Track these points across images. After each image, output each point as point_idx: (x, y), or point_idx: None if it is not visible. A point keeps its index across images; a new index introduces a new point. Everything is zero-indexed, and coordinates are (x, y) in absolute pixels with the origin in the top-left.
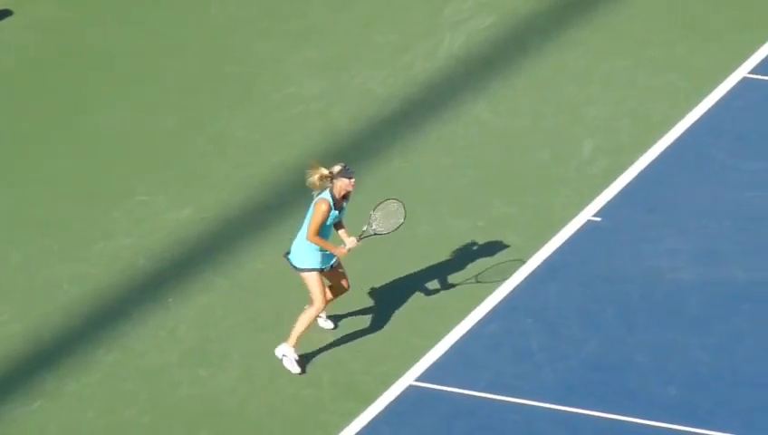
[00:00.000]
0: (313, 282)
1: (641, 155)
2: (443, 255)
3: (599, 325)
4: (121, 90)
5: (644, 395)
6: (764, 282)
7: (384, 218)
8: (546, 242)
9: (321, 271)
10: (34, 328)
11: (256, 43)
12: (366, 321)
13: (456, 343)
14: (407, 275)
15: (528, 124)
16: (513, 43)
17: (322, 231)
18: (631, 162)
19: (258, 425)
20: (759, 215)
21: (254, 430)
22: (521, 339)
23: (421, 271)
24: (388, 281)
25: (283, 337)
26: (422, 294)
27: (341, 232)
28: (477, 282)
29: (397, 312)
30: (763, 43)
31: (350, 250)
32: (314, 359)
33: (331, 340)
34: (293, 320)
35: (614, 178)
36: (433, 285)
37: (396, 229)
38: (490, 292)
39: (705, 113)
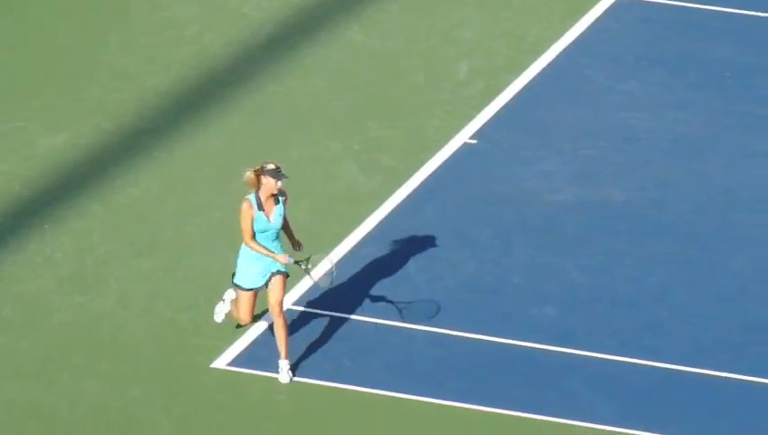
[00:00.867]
0: (242, 300)
1: (517, 77)
2: (318, 178)
3: (475, 247)
4: None
5: (521, 317)
6: (641, 202)
7: (321, 271)
8: (422, 165)
9: (249, 290)
10: None
11: None
12: (240, 246)
13: (333, 265)
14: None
15: (402, 47)
16: None
17: (259, 238)
18: (507, 84)
19: (136, 349)
20: (634, 135)
21: (131, 355)
22: (397, 261)
23: (296, 195)
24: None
25: (160, 262)
26: (297, 218)
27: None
28: (352, 205)
29: None
30: None
31: (288, 262)
32: (191, 284)
33: (207, 266)
34: (168, 244)
35: (490, 101)
36: (309, 208)
37: (313, 277)
38: (366, 215)
39: (581, 35)
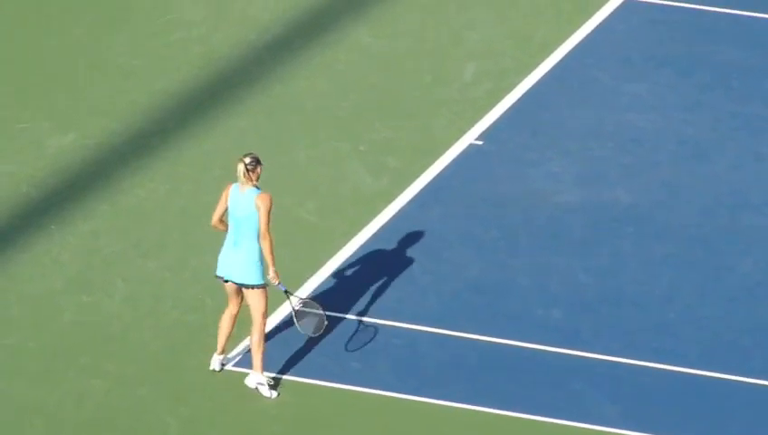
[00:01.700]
0: (263, 297)
1: (524, 78)
2: (325, 179)
3: (481, 249)
4: (0, 15)
5: (527, 318)
6: (647, 204)
7: (305, 314)
8: (429, 166)
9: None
10: None
11: None
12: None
13: (339, 267)
14: (288, 201)
15: (409, 47)
16: None
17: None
18: (514, 85)
19: (143, 349)
20: (641, 137)
21: (138, 355)
22: (403, 263)
23: (302, 196)
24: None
25: (167, 263)
26: (304, 220)
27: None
28: (358, 206)
29: (279, 238)
30: None
31: (275, 281)
32: (198, 285)
33: (214, 266)
34: (175, 245)
35: (497, 102)
36: (315, 209)
37: (296, 319)
38: (373, 216)
39: (588, 36)
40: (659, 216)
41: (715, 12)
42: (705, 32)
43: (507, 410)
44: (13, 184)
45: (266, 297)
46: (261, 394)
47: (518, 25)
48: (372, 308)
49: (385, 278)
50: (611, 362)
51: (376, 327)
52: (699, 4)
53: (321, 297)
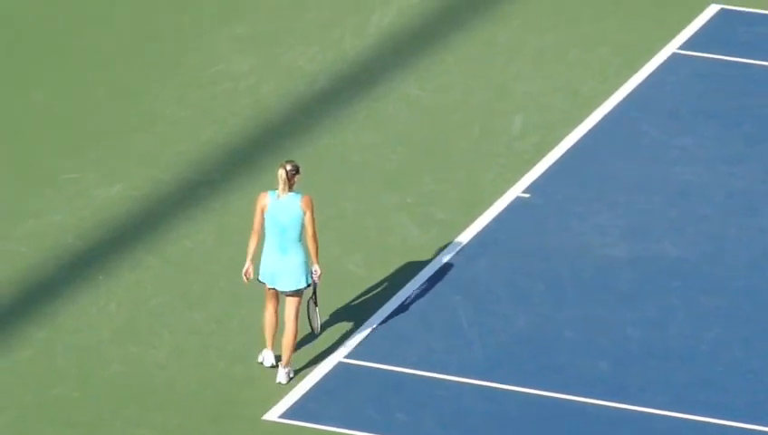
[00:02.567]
0: (300, 298)
1: (571, 131)
2: (372, 231)
3: (528, 301)
4: (49, 65)
5: (573, 371)
6: (694, 258)
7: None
8: (476, 218)
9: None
10: None
11: (185, 17)
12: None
13: (386, 319)
14: (335, 252)
15: (457, 100)
16: (442, 18)
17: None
18: (561, 138)
19: (188, 401)
20: (688, 190)
21: (183, 406)
22: (450, 315)
23: (349, 248)
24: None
25: (213, 314)
26: (350, 272)
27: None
28: (406, 258)
29: (325, 289)
30: (692, 18)
31: (316, 278)
32: (245, 336)
33: (259, 317)
34: (222, 296)
35: (544, 154)
36: (362, 261)
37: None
38: (420, 268)
39: (635, 89)
40: (707, 269)
41: (762, 65)
42: (753, 85)
43: None
44: (59, 234)
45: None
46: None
47: (565, 78)
48: (418, 360)
49: (431, 330)
50: (658, 415)
51: (422, 379)
52: (747, 58)
53: (367, 349)
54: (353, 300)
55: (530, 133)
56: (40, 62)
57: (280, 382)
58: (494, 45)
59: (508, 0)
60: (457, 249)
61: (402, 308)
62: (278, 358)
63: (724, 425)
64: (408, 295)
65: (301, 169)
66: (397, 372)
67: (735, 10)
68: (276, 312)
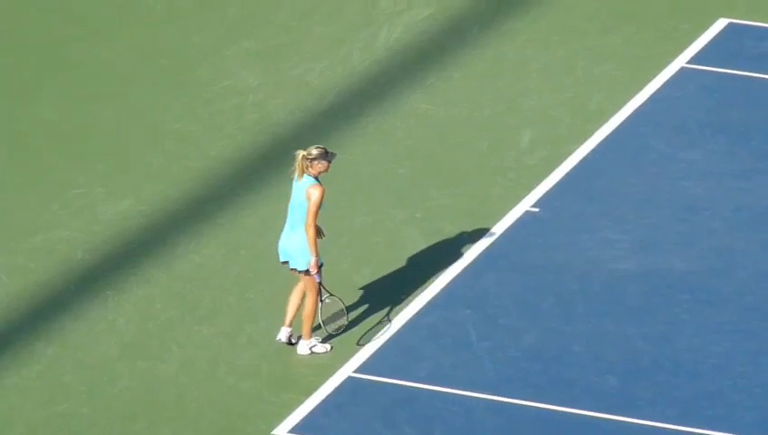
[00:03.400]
0: (314, 280)
1: (579, 145)
2: (380, 245)
3: (537, 315)
4: (59, 81)
5: (582, 385)
6: (703, 271)
7: (329, 309)
8: (484, 232)
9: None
10: None
11: (193, 33)
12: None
13: (395, 334)
14: (344, 267)
15: (466, 115)
16: (450, 34)
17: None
18: (569, 153)
19: (197, 416)
20: (696, 204)
21: (193, 422)
22: (459, 329)
23: (358, 262)
24: (326, 273)
25: (222, 329)
26: (359, 286)
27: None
28: (415, 273)
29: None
30: (700, 32)
31: (317, 269)
32: (253, 351)
33: (270, 333)
34: (231, 311)
35: (552, 169)
36: (371, 275)
37: (324, 319)
38: (428, 283)
39: (643, 103)
40: (715, 283)
41: None
42: (761, 99)
43: None
44: (68, 250)
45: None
46: (317, 354)
47: (573, 93)
48: (428, 375)
49: (441, 345)
50: (667, 429)
51: (431, 393)
52: (754, 72)
53: (376, 363)
54: (361, 314)
55: (538, 148)
56: (48, 77)
57: (301, 354)
58: (501, 60)
59: (515, 16)
60: (466, 264)
61: (411, 323)
62: (294, 337)
63: None
64: (416, 310)
65: (327, 157)
66: (406, 386)
67: (743, 24)
68: (302, 290)
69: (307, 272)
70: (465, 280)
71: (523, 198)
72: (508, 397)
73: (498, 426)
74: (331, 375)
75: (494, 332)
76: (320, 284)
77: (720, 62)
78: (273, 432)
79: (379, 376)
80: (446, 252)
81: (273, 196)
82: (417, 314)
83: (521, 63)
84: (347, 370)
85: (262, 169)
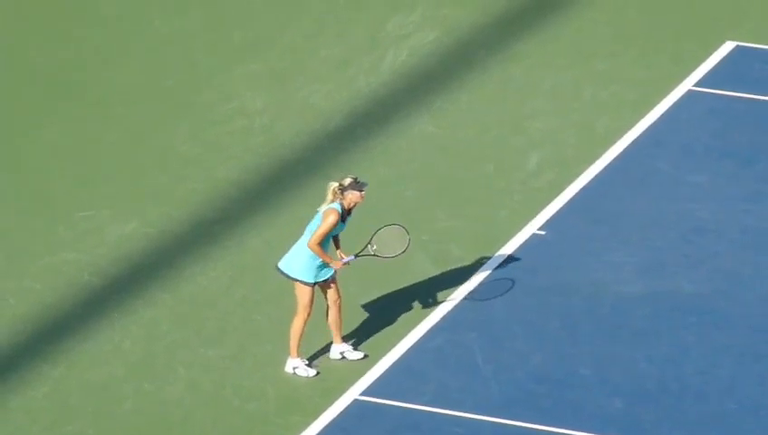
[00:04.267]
0: (305, 293)
1: (586, 168)
2: (388, 268)
3: (543, 338)
4: (65, 103)
5: (589, 408)
6: (709, 294)
7: (386, 243)
8: (491, 255)
9: (314, 285)
10: None
11: (199, 55)
12: (310, 335)
13: (401, 357)
14: (352, 290)
15: (472, 137)
16: (456, 57)
17: (323, 242)
18: (576, 175)
19: None
20: (703, 227)
21: None
22: (465, 352)
23: (366, 284)
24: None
25: (228, 351)
26: (366, 309)
27: (338, 252)
28: (421, 295)
29: (344, 326)
30: (707, 56)
31: (345, 264)
32: (259, 373)
33: (275, 355)
34: (237, 333)
35: (559, 191)
36: (377, 299)
37: (395, 256)
38: (434, 306)
39: (650, 126)
40: (721, 305)
41: None
42: (767, 122)
43: None
44: (74, 272)
45: (308, 295)
46: (299, 376)
47: (580, 115)
48: (434, 397)
49: (447, 367)
50: None
51: (437, 416)
52: (761, 95)
53: (382, 386)
54: (369, 336)
55: (545, 170)
56: (55, 100)
57: (285, 371)
58: (508, 83)
59: (522, 38)
60: (473, 286)
61: (417, 346)
62: (345, 350)
63: None
64: (423, 332)
65: (357, 186)
66: (412, 409)
67: (751, 47)
68: (330, 305)
69: (297, 281)
70: (471, 303)
71: (530, 220)
72: (514, 419)
73: None
74: (337, 398)
75: (501, 354)
76: (357, 255)
77: (727, 85)
78: None
79: (385, 399)
80: (452, 274)
81: (279, 218)
82: (423, 336)
83: (527, 86)
84: (353, 392)
85: (268, 191)
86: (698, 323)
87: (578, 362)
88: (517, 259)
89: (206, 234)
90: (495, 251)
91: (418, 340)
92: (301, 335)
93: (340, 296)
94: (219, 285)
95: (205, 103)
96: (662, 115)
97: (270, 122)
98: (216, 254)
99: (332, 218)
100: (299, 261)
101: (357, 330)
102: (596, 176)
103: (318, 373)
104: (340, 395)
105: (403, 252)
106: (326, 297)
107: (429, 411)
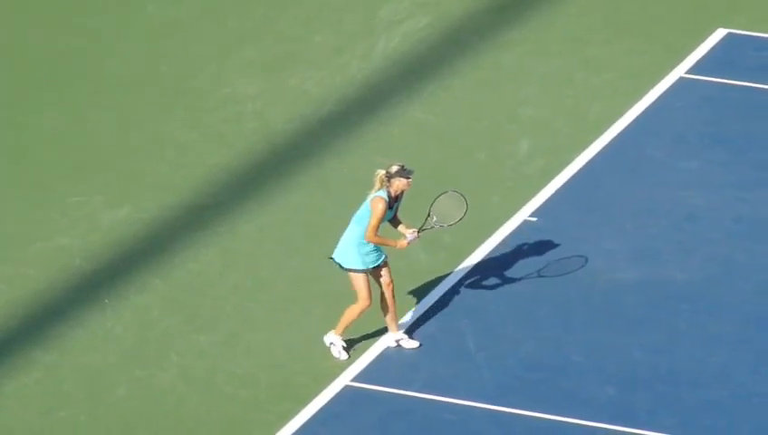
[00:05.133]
0: (360, 282)
1: (578, 155)
2: None
3: (536, 325)
4: (59, 90)
5: (581, 395)
6: (702, 281)
7: (445, 212)
8: (483, 242)
9: (366, 271)
10: None
11: (194, 43)
12: (302, 322)
13: (387, 349)
14: (343, 276)
15: (464, 125)
16: (449, 43)
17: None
18: (568, 162)
19: (195, 425)
20: (695, 214)
21: (191, 430)
22: (458, 339)
23: None
24: (324, 282)
25: (220, 337)
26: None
27: (401, 226)
28: (413, 282)
29: (333, 312)
30: (699, 43)
31: (409, 243)
32: (252, 360)
33: (268, 341)
34: (229, 319)
35: (551, 179)
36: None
37: (457, 222)
38: (426, 293)
39: (642, 113)
40: (714, 293)
41: None
42: (760, 109)
43: None
44: (66, 257)
45: (364, 282)
46: (331, 354)
47: (572, 103)
48: (426, 384)
49: (439, 354)
50: None
51: (430, 402)
52: (754, 82)
53: (374, 372)
54: (361, 323)
55: (537, 157)
56: (48, 87)
57: (325, 341)
58: (500, 70)
59: (514, 25)
60: (465, 273)
61: (410, 332)
62: (400, 337)
63: None
64: (415, 318)
65: (404, 173)
66: (404, 395)
67: (742, 34)
68: (381, 294)
69: (351, 271)
70: (463, 290)
71: (522, 207)
72: (506, 406)
73: None
74: (328, 384)
75: (493, 341)
76: (420, 230)
77: (719, 73)
78: None
79: (377, 385)
80: (444, 261)
81: (272, 204)
82: (415, 323)
83: (519, 73)
84: (345, 379)
85: (261, 178)
86: (691, 311)
87: (570, 350)
88: (509, 246)
89: (198, 220)
90: (487, 238)
91: (410, 327)
92: (352, 321)
93: (392, 280)
94: (212, 271)
95: (198, 90)
96: (654, 102)
97: (263, 109)
98: (208, 240)
99: (381, 207)
100: (349, 250)
101: None
102: (588, 163)
103: (349, 357)
104: (332, 381)
105: (463, 217)
106: (379, 283)
107: (421, 398)
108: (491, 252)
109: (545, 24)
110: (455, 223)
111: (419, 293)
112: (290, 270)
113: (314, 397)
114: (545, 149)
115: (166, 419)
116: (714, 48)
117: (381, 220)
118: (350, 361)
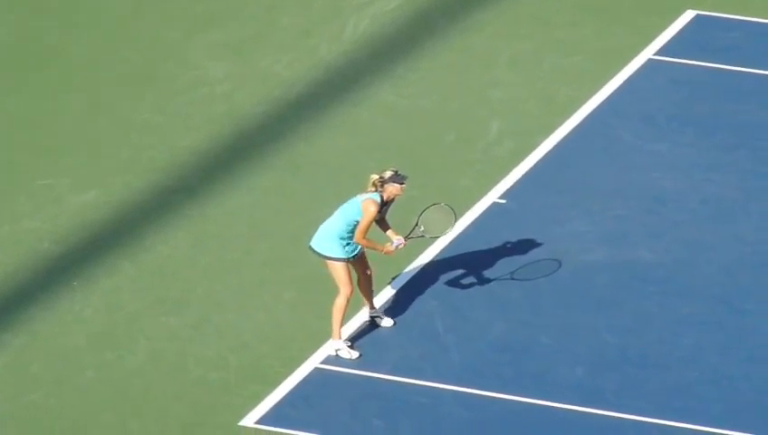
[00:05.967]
0: (339, 271)
1: (547, 137)
2: None
3: (505, 307)
4: (25, 73)
5: (550, 377)
6: (671, 263)
7: (432, 224)
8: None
9: (347, 260)
10: None
11: (161, 25)
12: (272, 305)
13: (362, 325)
14: (315, 258)
15: (433, 107)
16: (417, 25)
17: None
18: (537, 144)
19: (165, 408)
20: (664, 196)
21: (160, 413)
22: (427, 321)
23: None
24: (294, 265)
25: (190, 320)
26: (327, 277)
27: (389, 232)
28: (383, 264)
29: (302, 295)
30: (668, 25)
31: (396, 248)
32: (221, 343)
33: (237, 324)
34: (199, 302)
35: (520, 160)
36: None
37: (443, 235)
38: (396, 274)
39: (611, 95)
40: (682, 275)
41: (737, 71)
42: (729, 91)
43: None
44: (34, 240)
45: (344, 270)
46: (342, 358)
47: (542, 85)
48: (395, 366)
49: (408, 336)
50: (634, 421)
51: (399, 385)
52: (722, 64)
53: (343, 357)
54: (329, 306)
55: (506, 139)
56: (16, 70)
57: (327, 353)
58: (469, 52)
59: (483, 7)
60: (433, 255)
61: (378, 314)
62: (376, 313)
63: (699, 431)
64: (383, 301)
65: (398, 179)
66: (373, 377)
67: (711, 16)
68: (359, 280)
69: (329, 259)
70: (432, 271)
71: (491, 189)
72: (475, 388)
73: (466, 417)
74: (298, 367)
75: (462, 323)
76: (407, 237)
77: (687, 54)
78: (240, 424)
79: (345, 368)
80: (413, 243)
81: (241, 187)
82: (383, 305)
83: (489, 55)
84: (314, 361)
85: (229, 161)
86: (660, 293)
87: (539, 332)
88: (478, 228)
89: (167, 203)
90: (456, 220)
91: (380, 308)
92: (343, 315)
93: (370, 268)
94: (181, 254)
95: (166, 73)
96: (623, 84)
97: (231, 91)
98: (177, 223)
99: (373, 209)
100: (330, 239)
101: (318, 300)
102: (557, 145)
103: (360, 355)
104: (301, 364)
105: (450, 229)
106: (357, 271)
107: (391, 380)
108: (460, 234)
109: (514, 5)
110: (440, 236)
111: (388, 274)
112: (259, 253)
113: (284, 379)
114: (514, 131)
115: (135, 401)
116: (682, 30)
117: (371, 223)
118: (319, 343)
